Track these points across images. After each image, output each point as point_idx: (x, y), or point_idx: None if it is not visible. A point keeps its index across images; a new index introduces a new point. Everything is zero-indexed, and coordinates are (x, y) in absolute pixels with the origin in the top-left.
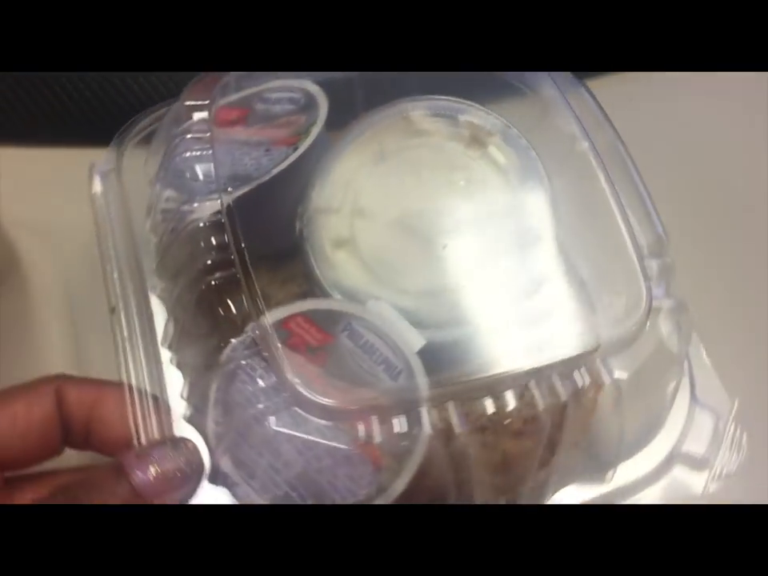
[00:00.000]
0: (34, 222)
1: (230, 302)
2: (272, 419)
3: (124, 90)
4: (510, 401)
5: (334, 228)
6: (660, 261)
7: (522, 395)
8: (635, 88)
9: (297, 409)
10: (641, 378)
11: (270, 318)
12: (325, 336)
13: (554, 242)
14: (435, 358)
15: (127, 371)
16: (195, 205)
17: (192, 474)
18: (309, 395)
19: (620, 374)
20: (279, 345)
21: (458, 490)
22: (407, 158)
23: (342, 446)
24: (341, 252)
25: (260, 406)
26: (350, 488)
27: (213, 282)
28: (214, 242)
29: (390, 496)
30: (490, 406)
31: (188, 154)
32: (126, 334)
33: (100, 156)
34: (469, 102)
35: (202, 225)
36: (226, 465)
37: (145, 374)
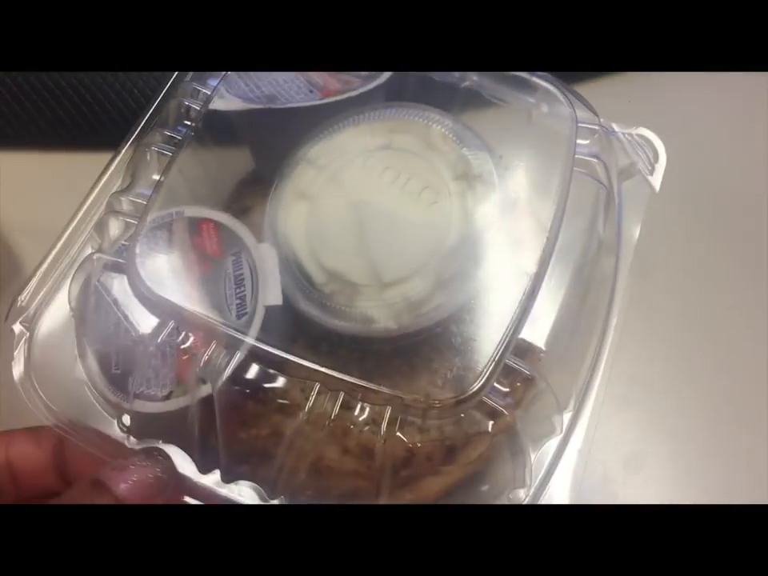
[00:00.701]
0: (36, 227)
1: None
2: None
3: (124, 93)
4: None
5: (307, 180)
6: None
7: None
8: (634, 88)
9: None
10: None
11: (191, 211)
12: (219, 250)
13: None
14: (290, 325)
15: None
16: None
17: (169, 480)
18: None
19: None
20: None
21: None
22: (397, 157)
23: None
24: (299, 203)
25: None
26: (151, 380)
27: None
28: None
29: (171, 406)
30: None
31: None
32: None
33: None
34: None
35: None
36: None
37: None
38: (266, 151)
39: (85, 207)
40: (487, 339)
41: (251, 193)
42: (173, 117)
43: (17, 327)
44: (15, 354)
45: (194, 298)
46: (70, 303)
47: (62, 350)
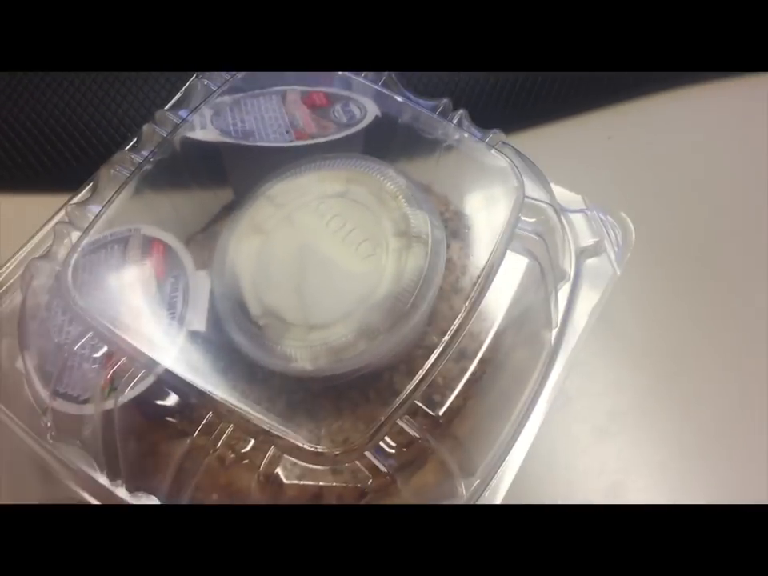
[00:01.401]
0: None
1: None
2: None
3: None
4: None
5: (264, 215)
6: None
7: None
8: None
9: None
10: None
11: (148, 230)
12: (162, 271)
13: None
14: (222, 351)
15: None
16: None
17: None
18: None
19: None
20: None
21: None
22: (347, 207)
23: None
24: (253, 236)
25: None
26: (76, 383)
27: None
28: None
29: (85, 410)
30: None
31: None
32: None
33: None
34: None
35: None
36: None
37: None
38: (235, 183)
39: (57, 218)
40: (390, 395)
41: (221, 220)
42: (145, 140)
43: None
44: None
45: (122, 314)
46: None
47: (13, 339)
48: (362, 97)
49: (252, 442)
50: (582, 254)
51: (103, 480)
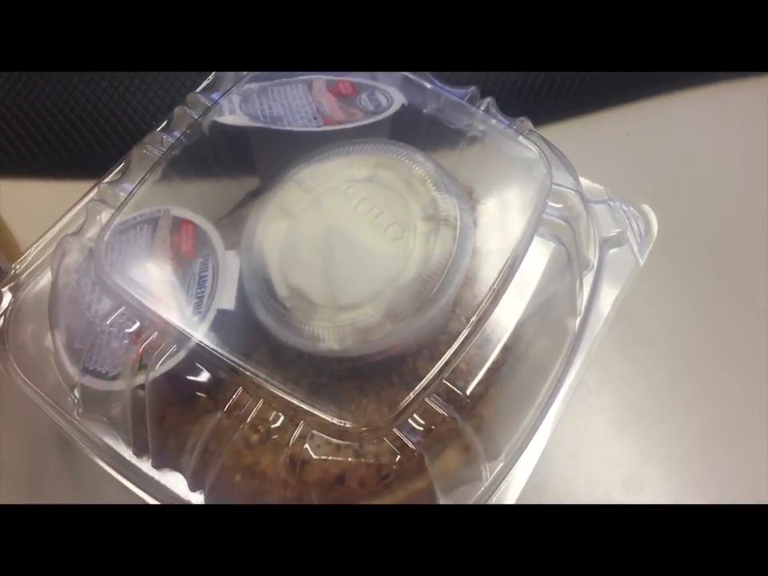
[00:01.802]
0: None
1: None
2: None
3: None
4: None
5: (292, 199)
6: None
7: None
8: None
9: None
10: None
11: (177, 211)
12: (191, 251)
13: None
14: (249, 332)
15: None
16: None
17: None
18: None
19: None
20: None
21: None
22: (375, 191)
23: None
24: (280, 219)
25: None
26: (105, 359)
27: None
28: None
29: (114, 386)
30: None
31: None
32: None
33: None
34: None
35: None
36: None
37: None
38: (262, 167)
39: (90, 195)
40: (413, 380)
41: (246, 205)
42: (176, 122)
43: (5, 291)
44: None
45: (152, 290)
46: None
47: (40, 318)
48: (389, 86)
49: (281, 418)
50: (606, 243)
51: (129, 456)
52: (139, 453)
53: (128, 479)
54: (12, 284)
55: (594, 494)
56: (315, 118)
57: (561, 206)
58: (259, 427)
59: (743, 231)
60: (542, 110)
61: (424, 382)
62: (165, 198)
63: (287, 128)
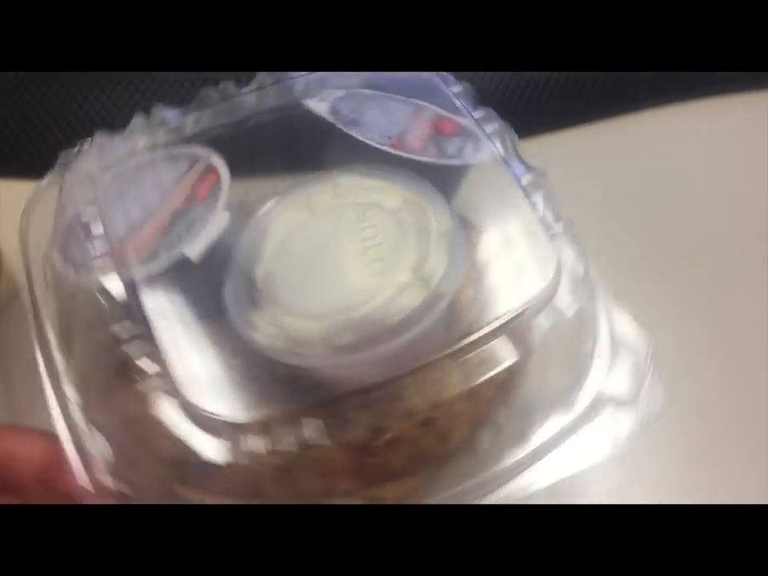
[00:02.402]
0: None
1: None
2: None
3: None
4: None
5: (321, 197)
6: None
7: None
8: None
9: None
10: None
11: (215, 160)
12: (203, 196)
13: None
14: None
15: None
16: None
17: None
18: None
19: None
20: None
21: None
22: (391, 223)
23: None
24: (300, 211)
25: None
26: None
27: None
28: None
29: None
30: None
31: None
32: None
33: None
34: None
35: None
36: None
37: None
38: (314, 157)
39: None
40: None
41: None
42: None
43: None
44: None
45: (141, 213)
46: None
47: None
48: (488, 140)
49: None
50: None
51: None
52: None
53: None
54: None
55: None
56: (389, 138)
57: None
58: None
59: (735, 245)
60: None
61: None
62: (217, 144)
63: (354, 134)
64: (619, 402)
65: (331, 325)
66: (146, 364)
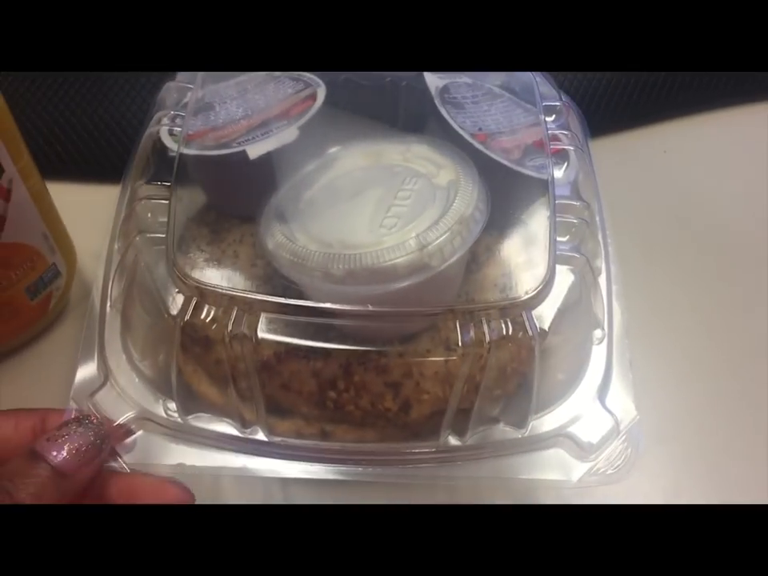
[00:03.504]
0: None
1: None
2: None
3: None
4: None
5: (391, 151)
6: (579, 220)
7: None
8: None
9: None
10: (556, 330)
11: (322, 93)
12: (297, 111)
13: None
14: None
15: None
16: None
17: (102, 445)
18: None
19: (540, 324)
20: None
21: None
22: (427, 193)
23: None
24: (366, 157)
25: None
26: None
27: None
28: None
29: None
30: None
31: None
32: None
33: None
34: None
35: None
36: None
37: None
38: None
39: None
40: None
41: None
42: None
43: None
44: None
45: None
46: None
47: None
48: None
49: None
50: None
51: None
52: None
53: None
54: None
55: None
56: (480, 129)
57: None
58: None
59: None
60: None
61: None
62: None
63: (444, 114)
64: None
65: (329, 252)
66: None
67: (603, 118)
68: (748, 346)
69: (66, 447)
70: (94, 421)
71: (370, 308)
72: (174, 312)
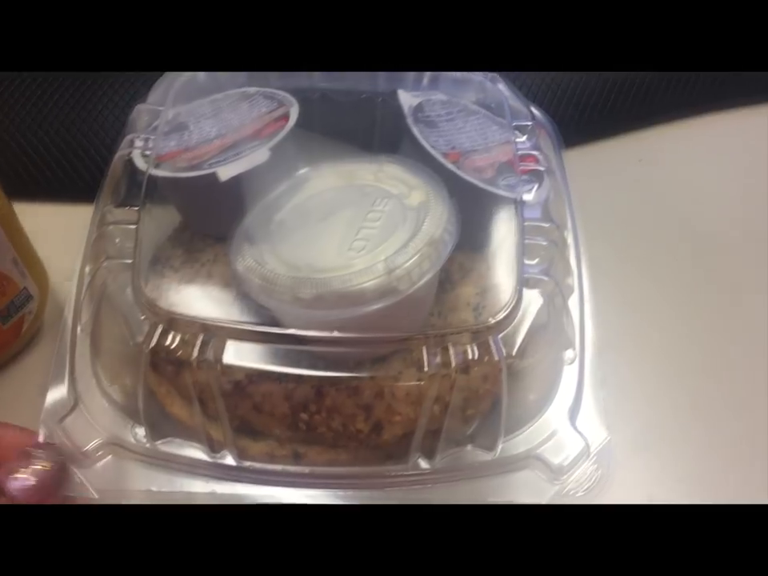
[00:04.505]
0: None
1: None
2: None
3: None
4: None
5: (363, 172)
6: (548, 242)
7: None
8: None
9: None
10: (525, 352)
11: (294, 112)
12: (268, 133)
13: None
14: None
15: None
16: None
17: (61, 478)
18: None
19: (507, 348)
20: None
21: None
22: (397, 214)
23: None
24: (337, 178)
25: None
26: None
27: None
28: None
29: None
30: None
31: None
32: None
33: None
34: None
35: None
36: None
37: None
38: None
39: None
40: None
41: None
42: None
43: None
44: None
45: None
46: None
47: None
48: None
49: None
50: None
51: None
52: None
53: None
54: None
55: None
56: (453, 148)
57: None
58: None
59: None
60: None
61: None
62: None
63: (416, 133)
64: (551, 470)
65: (297, 276)
66: None
67: (577, 126)
68: (724, 356)
69: (21, 481)
70: (52, 449)
71: (337, 334)
72: (140, 339)
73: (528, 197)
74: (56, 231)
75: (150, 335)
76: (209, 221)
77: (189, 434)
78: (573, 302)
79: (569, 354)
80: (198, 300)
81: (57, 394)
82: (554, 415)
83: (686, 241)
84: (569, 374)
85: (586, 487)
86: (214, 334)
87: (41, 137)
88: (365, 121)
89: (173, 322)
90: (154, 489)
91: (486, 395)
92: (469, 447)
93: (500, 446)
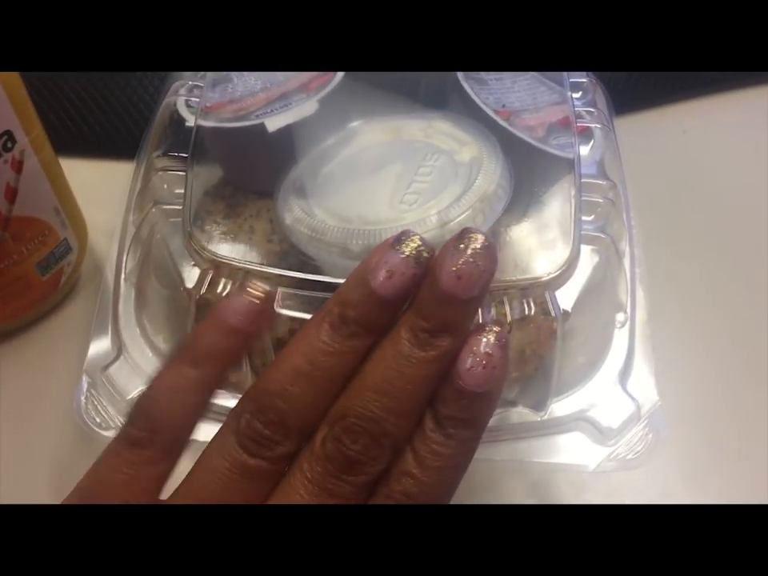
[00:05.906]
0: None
1: None
2: None
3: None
4: None
5: (412, 128)
6: (604, 200)
7: None
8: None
9: None
10: (578, 312)
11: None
12: (310, 87)
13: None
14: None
15: None
16: None
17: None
18: None
19: (562, 306)
20: None
21: None
22: (449, 174)
23: None
24: (386, 132)
25: None
26: None
27: None
28: None
29: None
30: None
31: None
32: None
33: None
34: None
35: None
36: None
37: None
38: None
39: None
40: None
41: None
42: None
43: None
44: None
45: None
46: None
47: None
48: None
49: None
50: None
51: None
52: None
53: None
54: None
55: (653, 488)
56: (503, 106)
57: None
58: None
59: None
60: None
61: None
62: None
63: (467, 89)
64: (599, 432)
65: (348, 228)
66: None
67: (624, 96)
68: None
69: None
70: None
71: None
72: (190, 285)
73: (583, 152)
74: (93, 187)
75: (200, 281)
76: (253, 174)
77: (232, 387)
78: (625, 265)
79: (620, 316)
80: (245, 251)
81: (100, 344)
82: (604, 378)
83: (734, 212)
84: (619, 337)
85: (636, 451)
86: (266, 281)
87: (79, 93)
88: (413, 76)
89: (222, 268)
90: (199, 439)
91: (534, 355)
92: (518, 408)
93: (549, 407)
